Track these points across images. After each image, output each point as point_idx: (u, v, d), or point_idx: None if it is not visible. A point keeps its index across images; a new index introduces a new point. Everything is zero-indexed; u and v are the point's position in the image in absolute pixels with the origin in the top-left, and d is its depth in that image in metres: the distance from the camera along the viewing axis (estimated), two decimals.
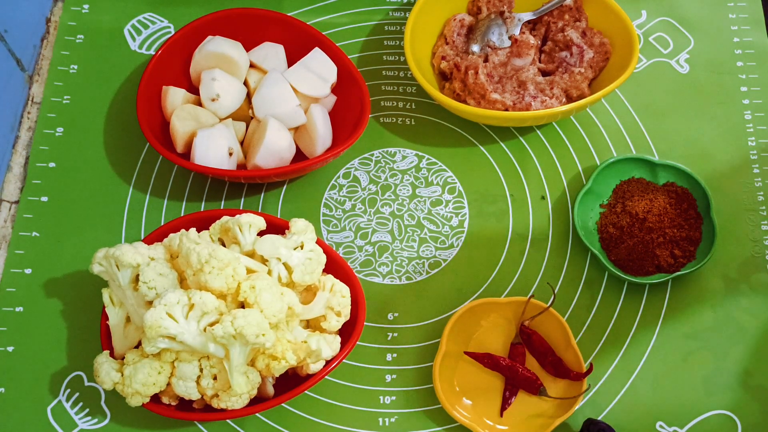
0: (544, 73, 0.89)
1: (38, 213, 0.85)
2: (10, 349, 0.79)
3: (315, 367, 0.71)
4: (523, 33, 0.89)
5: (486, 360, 0.78)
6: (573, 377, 0.76)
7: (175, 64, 0.87)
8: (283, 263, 0.71)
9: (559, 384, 0.77)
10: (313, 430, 0.77)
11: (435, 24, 0.92)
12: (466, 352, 0.78)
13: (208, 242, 0.72)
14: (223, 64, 0.85)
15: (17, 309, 0.81)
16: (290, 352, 0.69)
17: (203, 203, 0.87)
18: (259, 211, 0.85)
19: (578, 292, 0.83)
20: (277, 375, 0.72)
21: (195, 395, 0.69)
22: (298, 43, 0.88)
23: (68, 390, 0.78)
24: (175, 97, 0.85)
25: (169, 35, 0.93)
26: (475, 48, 0.90)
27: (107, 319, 0.72)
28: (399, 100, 0.92)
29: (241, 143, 0.85)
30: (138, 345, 0.72)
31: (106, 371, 0.69)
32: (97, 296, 0.73)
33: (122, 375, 0.69)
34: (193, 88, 0.88)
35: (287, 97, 0.84)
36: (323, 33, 0.89)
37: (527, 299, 0.79)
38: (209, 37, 0.87)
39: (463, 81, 0.87)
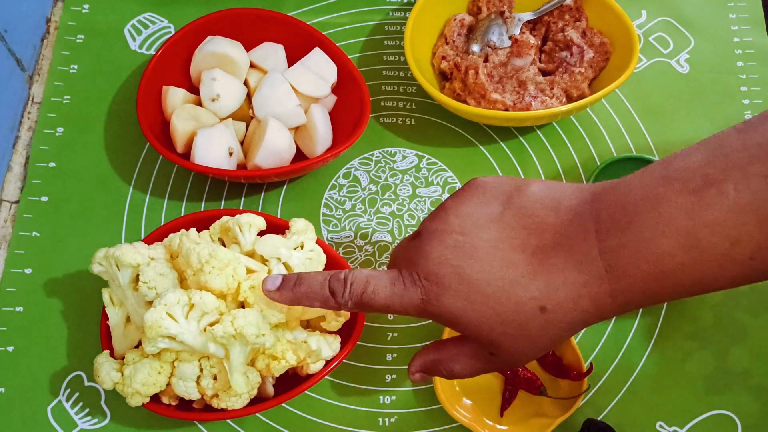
0: (544, 73, 0.89)
1: (38, 213, 0.85)
2: (10, 349, 0.79)
3: (315, 367, 0.71)
4: (523, 33, 0.89)
5: None
6: (573, 377, 0.76)
7: (175, 64, 0.87)
8: (283, 263, 0.71)
9: (559, 384, 0.77)
10: (313, 430, 0.77)
11: (435, 24, 0.92)
12: None
13: (208, 242, 0.72)
14: (223, 64, 0.85)
15: (17, 309, 0.81)
16: (290, 352, 0.69)
17: (203, 203, 0.87)
18: (259, 211, 0.85)
19: None
20: (277, 375, 0.71)
21: (195, 395, 0.69)
22: (298, 43, 0.88)
23: (68, 390, 0.78)
24: (175, 97, 0.85)
25: (169, 35, 0.93)
26: (475, 48, 0.90)
27: (107, 319, 0.72)
28: (399, 100, 0.92)
29: (241, 143, 0.85)
30: (138, 345, 0.72)
31: (106, 371, 0.69)
32: (97, 296, 0.73)
33: (122, 375, 0.69)
34: (193, 88, 0.88)
35: (287, 97, 0.84)
36: (323, 33, 0.89)
37: None
38: (209, 37, 0.87)
39: (463, 81, 0.87)
